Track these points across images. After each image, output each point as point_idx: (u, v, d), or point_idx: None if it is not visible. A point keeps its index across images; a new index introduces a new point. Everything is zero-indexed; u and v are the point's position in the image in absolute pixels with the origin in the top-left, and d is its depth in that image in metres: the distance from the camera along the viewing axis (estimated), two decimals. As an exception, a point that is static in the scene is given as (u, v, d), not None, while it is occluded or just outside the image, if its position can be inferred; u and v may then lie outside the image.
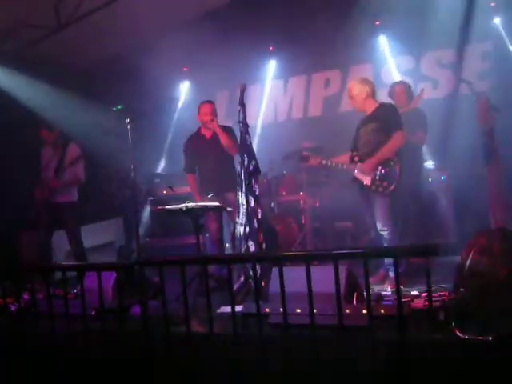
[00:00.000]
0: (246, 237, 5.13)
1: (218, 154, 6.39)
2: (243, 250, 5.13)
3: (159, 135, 9.96)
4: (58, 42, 8.24)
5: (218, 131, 6.30)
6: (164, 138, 10.03)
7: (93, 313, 4.61)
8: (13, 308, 5.16)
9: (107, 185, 10.37)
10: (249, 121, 5.38)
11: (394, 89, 6.95)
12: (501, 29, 7.71)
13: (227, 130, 6.43)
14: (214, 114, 6.45)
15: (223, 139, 6.29)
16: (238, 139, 5.42)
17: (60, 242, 7.47)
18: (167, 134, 10.00)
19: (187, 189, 8.36)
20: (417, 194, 6.55)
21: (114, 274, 5.39)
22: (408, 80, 7.52)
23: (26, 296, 5.39)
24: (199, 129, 6.70)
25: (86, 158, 7.39)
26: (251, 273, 4.88)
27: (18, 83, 8.47)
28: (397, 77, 8.24)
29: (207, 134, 6.59)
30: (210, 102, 6.57)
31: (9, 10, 7.41)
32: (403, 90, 6.91)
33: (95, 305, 4.28)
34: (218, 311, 4.76)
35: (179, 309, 3.82)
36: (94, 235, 8.48)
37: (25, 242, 8.07)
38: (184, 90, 10.29)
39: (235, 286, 5.01)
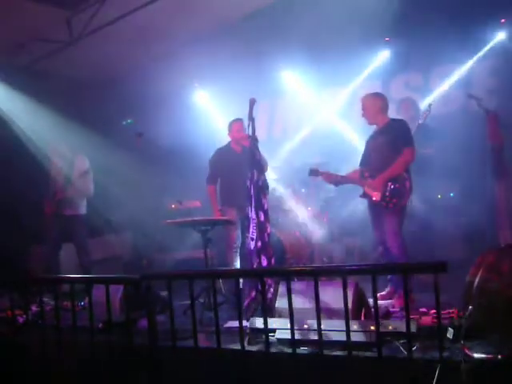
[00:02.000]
0: (258, 251, 5.13)
1: (246, 168, 6.42)
2: (255, 264, 5.12)
3: (169, 148, 9.99)
4: (70, 56, 8.30)
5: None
6: (174, 151, 10.06)
7: (100, 325, 4.61)
8: (21, 320, 5.18)
9: (116, 198, 10.40)
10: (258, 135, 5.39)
11: (401, 105, 7.00)
12: (510, 45, 7.71)
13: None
14: (245, 131, 6.59)
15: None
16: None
17: (69, 254, 7.48)
18: (177, 146, 10.02)
19: (196, 203, 8.39)
20: (427, 210, 6.55)
21: (122, 288, 5.40)
22: (416, 96, 7.55)
23: (33, 308, 5.41)
24: (229, 143, 6.95)
25: (95, 171, 7.42)
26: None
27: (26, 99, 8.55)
28: (405, 93, 8.25)
29: (238, 148, 6.84)
30: (241, 120, 6.75)
31: (21, 24, 7.49)
32: (410, 106, 6.95)
33: (102, 318, 4.29)
34: (226, 326, 4.75)
35: (187, 323, 3.82)
36: (102, 248, 8.50)
37: (34, 254, 8.10)
38: (196, 103, 10.33)
39: (245, 302, 5.00)
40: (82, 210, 7.35)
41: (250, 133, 5.31)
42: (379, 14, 7.35)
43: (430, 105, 6.84)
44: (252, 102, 5.40)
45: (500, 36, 7.77)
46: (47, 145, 7.40)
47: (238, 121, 6.82)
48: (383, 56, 8.65)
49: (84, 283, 4.61)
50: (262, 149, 5.45)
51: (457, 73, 8.25)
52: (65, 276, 6.52)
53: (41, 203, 7.27)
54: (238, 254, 6.76)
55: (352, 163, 6.04)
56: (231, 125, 6.91)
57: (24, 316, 5.07)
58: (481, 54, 7.93)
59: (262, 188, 5.27)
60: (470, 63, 8.12)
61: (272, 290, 4.98)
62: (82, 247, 7.26)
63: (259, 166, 5.31)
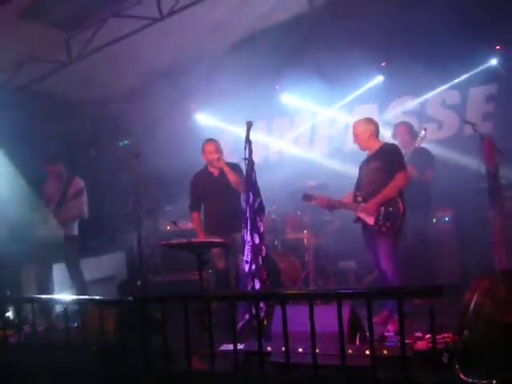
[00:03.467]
0: (252, 274, 5.11)
1: (226, 192, 6.29)
2: (249, 287, 5.10)
3: (164, 170, 10.00)
4: (68, 77, 8.33)
5: (226, 169, 6.24)
6: (169, 172, 10.07)
7: (93, 348, 4.58)
8: (12, 340, 5.13)
9: (111, 219, 10.38)
10: (254, 158, 5.41)
11: (396, 129, 7.04)
12: (505, 71, 7.78)
13: (235, 167, 6.36)
14: (218, 151, 6.39)
15: (232, 177, 6.22)
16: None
17: (63, 275, 7.44)
18: (172, 168, 10.03)
19: (191, 224, 8.35)
20: (422, 234, 6.57)
21: (116, 310, 5.36)
22: (413, 120, 7.59)
23: (26, 328, 5.37)
24: (206, 166, 6.61)
25: (91, 192, 7.41)
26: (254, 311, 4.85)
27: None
28: (401, 117, 8.30)
29: (215, 171, 6.50)
30: (214, 141, 6.50)
31: (19, 44, 7.52)
32: (406, 130, 6.99)
33: (96, 340, 4.26)
34: (220, 349, 4.71)
35: (181, 345, 3.79)
36: (96, 269, 8.45)
37: (26, 274, 8.04)
38: (191, 124, 10.35)
39: (239, 324, 4.97)
40: (75, 230, 7.32)
41: (247, 155, 5.32)
42: (377, 39, 7.44)
43: (425, 128, 6.89)
44: (249, 125, 5.43)
45: (495, 62, 7.84)
46: (45, 165, 7.37)
47: (210, 141, 6.50)
48: (379, 80, 8.71)
49: (77, 305, 4.58)
50: (258, 171, 5.46)
51: (452, 98, 8.33)
52: (58, 297, 6.50)
53: (33, 223, 7.23)
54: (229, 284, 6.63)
55: (349, 186, 6.05)
56: (203, 146, 6.51)
57: (16, 336, 5.03)
58: (476, 79, 7.99)
59: (258, 210, 5.28)
60: (465, 88, 8.20)
61: (263, 313, 4.96)
62: (74, 268, 7.22)
63: (255, 188, 5.32)
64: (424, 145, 6.86)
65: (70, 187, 7.23)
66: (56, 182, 7.34)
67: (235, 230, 6.07)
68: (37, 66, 8.05)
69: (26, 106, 8.28)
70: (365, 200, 5.68)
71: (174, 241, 6.95)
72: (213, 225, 6.47)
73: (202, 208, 6.66)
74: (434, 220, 7.40)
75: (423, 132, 6.82)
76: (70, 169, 7.48)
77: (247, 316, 5.09)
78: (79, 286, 7.17)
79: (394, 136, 7.04)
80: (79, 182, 7.30)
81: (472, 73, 7.96)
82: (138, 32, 7.50)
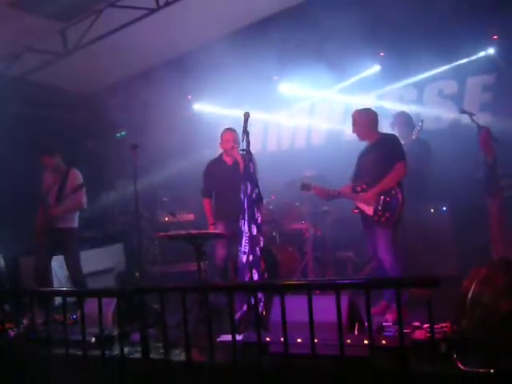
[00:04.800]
0: (250, 265, 5.12)
1: (238, 181, 6.34)
2: (246, 278, 5.11)
3: (162, 161, 10.00)
4: (64, 68, 8.30)
5: (239, 159, 6.23)
6: (167, 163, 10.06)
7: (92, 339, 4.58)
8: (12, 333, 5.14)
9: (109, 211, 10.38)
10: (252, 148, 5.40)
11: (396, 119, 7.03)
12: (502, 61, 7.77)
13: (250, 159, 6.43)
14: (235, 141, 6.41)
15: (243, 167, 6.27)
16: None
17: (61, 267, 7.44)
18: (170, 159, 10.03)
19: (189, 216, 8.35)
20: (420, 225, 6.58)
21: (115, 301, 5.37)
22: (410, 110, 7.58)
23: (25, 321, 5.38)
24: (221, 154, 6.72)
25: (89, 184, 7.39)
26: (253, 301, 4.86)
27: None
28: (399, 107, 8.29)
29: (229, 160, 6.59)
30: (232, 130, 6.54)
31: (15, 35, 7.49)
32: (405, 120, 6.99)
33: (95, 331, 4.26)
34: (219, 340, 4.72)
35: (179, 336, 3.80)
36: (95, 261, 8.46)
37: (24, 266, 8.05)
38: (189, 115, 10.33)
39: (237, 315, 4.98)
40: (74, 222, 7.30)
41: (245, 146, 5.31)
42: (375, 29, 7.42)
43: (422, 121, 6.89)
44: (246, 116, 5.42)
45: (492, 52, 7.82)
46: (41, 157, 7.34)
47: (227, 130, 6.59)
48: (377, 70, 8.69)
49: (76, 296, 4.58)
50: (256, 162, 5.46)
51: (450, 88, 8.32)
52: (57, 289, 6.51)
53: (33, 215, 7.23)
54: (226, 273, 6.67)
55: (347, 176, 6.05)
56: (222, 135, 6.63)
57: (15, 329, 5.03)
58: (473, 69, 7.98)
59: (256, 201, 5.27)
60: (462, 79, 8.19)
61: (262, 303, 4.97)
62: (73, 260, 7.21)
63: (253, 179, 5.31)
64: (420, 135, 6.88)
65: (68, 179, 7.19)
66: (53, 175, 7.31)
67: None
68: (33, 57, 8.03)
69: (22, 97, 8.26)
70: (364, 190, 5.68)
71: (172, 232, 6.97)
72: (223, 212, 6.52)
73: (214, 195, 6.75)
74: (432, 210, 7.42)
75: (420, 124, 6.81)
76: (67, 160, 7.45)
77: (245, 307, 5.09)
78: (77, 278, 7.16)
79: (393, 126, 7.04)
80: (77, 175, 7.27)
81: (469, 62, 7.93)
82: (135, 22, 7.48)
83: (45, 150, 7.39)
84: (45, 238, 7.08)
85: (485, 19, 7.28)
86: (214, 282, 6.58)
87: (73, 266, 7.19)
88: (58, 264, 7.52)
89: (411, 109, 8.01)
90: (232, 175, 6.40)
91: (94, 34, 7.69)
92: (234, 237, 6.12)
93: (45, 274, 7.21)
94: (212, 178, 6.70)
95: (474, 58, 7.90)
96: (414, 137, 6.68)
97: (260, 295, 4.91)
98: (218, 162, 6.75)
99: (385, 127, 6.83)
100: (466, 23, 7.25)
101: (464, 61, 7.93)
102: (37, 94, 8.60)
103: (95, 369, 3.76)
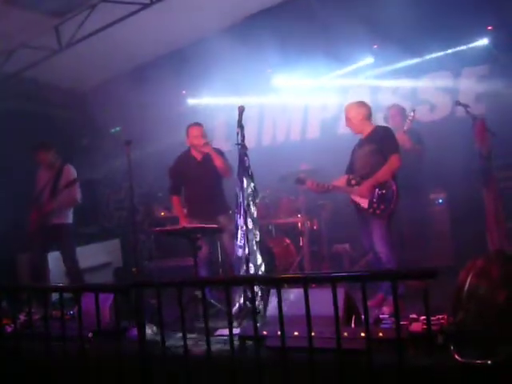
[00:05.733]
0: (246, 259, 5.13)
1: (209, 176, 6.33)
2: (242, 272, 5.12)
3: (157, 156, 9.98)
4: (58, 65, 8.27)
5: (214, 154, 6.23)
6: (161, 158, 10.05)
7: (89, 335, 4.58)
8: (9, 329, 5.13)
9: (105, 206, 10.37)
10: (247, 143, 5.39)
11: (389, 112, 7.04)
12: (496, 52, 7.76)
13: (220, 152, 6.41)
14: (203, 136, 6.34)
15: (218, 162, 6.22)
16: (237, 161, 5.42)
17: (58, 262, 7.44)
18: (165, 154, 10.01)
19: (185, 210, 8.33)
20: (415, 216, 6.59)
21: (112, 296, 5.37)
22: (405, 103, 7.58)
23: (22, 317, 5.36)
24: (189, 150, 6.55)
25: (84, 180, 7.38)
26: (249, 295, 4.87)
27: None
28: (393, 100, 8.28)
29: (198, 156, 6.46)
30: (199, 125, 6.43)
31: (10, 32, 7.46)
32: (398, 112, 7.00)
33: (92, 326, 4.26)
34: (215, 334, 4.73)
35: (176, 331, 3.80)
36: (91, 256, 8.46)
37: (21, 263, 8.04)
38: (185, 110, 10.30)
39: (233, 309, 4.99)
40: (69, 218, 7.29)
41: (240, 140, 5.31)
42: (368, 21, 7.40)
43: (413, 110, 6.89)
44: (241, 110, 5.42)
45: (486, 43, 7.82)
46: (35, 153, 7.32)
47: (195, 125, 6.41)
48: (371, 62, 8.67)
49: (73, 292, 4.58)
50: (251, 156, 5.45)
51: (444, 80, 8.31)
52: (54, 285, 6.50)
53: (27, 212, 7.21)
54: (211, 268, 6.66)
55: (342, 170, 6.06)
56: (188, 130, 6.44)
57: (12, 325, 5.03)
58: (468, 61, 7.97)
59: (252, 195, 5.27)
60: (457, 70, 8.18)
61: (259, 297, 4.98)
62: (69, 256, 7.20)
63: (248, 173, 5.31)
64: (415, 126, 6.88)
65: (62, 175, 7.18)
66: (48, 171, 7.29)
67: (219, 212, 6.29)
68: (27, 53, 8.00)
69: (16, 94, 8.23)
70: (359, 183, 5.69)
71: (168, 227, 6.97)
72: (195, 209, 6.46)
73: (183, 192, 6.65)
74: (428, 202, 7.44)
75: (412, 113, 6.82)
76: (61, 156, 7.43)
77: (241, 301, 5.11)
78: (74, 273, 7.16)
79: (386, 118, 7.05)
80: (71, 171, 7.25)
81: (464, 53, 7.92)
82: (129, 17, 7.44)
83: (40, 144, 7.37)
84: (39, 235, 7.07)
85: (479, 10, 7.27)
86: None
87: (69, 261, 7.18)
88: (54, 260, 7.51)
89: (406, 101, 8.02)
90: (202, 170, 6.36)
91: (87, 29, 7.66)
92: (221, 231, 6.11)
93: (41, 271, 7.21)
94: (180, 174, 6.55)
95: (468, 49, 7.89)
96: (406, 127, 6.68)
97: (256, 289, 4.91)
98: (185, 157, 6.57)
99: (379, 120, 6.85)
100: (461, 14, 7.23)
101: (458, 52, 7.91)
102: (31, 91, 8.56)
103: (92, 364, 3.76)
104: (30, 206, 7.21)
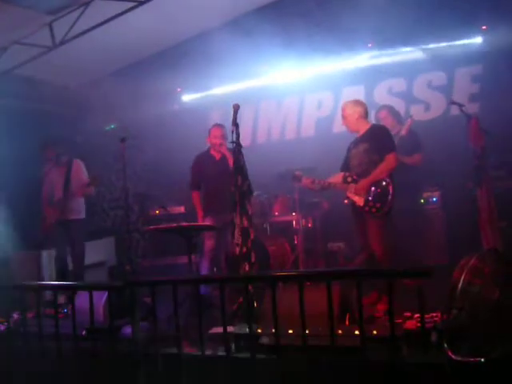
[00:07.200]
0: (243, 257, 5.12)
1: (225, 175, 6.39)
2: (240, 270, 5.11)
3: (152, 154, 9.97)
4: (52, 62, 8.24)
5: (228, 155, 6.40)
6: (156, 156, 10.03)
7: (83, 333, 4.58)
8: (2, 327, 5.13)
9: (99, 204, 10.34)
10: (242, 141, 5.39)
11: (378, 114, 7.06)
12: (491, 51, 7.77)
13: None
14: (223, 137, 6.60)
15: (232, 162, 6.31)
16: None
17: (50, 261, 7.42)
18: (160, 152, 9.99)
19: (180, 208, 8.34)
20: (410, 215, 6.60)
21: (106, 294, 5.37)
22: (399, 102, 7.60)
23: (15, 315, 5.36)
24: (209, 149, 6.86)
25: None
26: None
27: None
28: (388, 99, 8.29)
29: (217, 155, 6.76)
30: (221, 126, 6.73)
31: (3, 29, 7.42)
32: (387, 114, 7.01)
33: (86, 324, 4.26)
34: (210, 332, 4.73)
35: (170, 329, 3.80)
36: (86, 255, 8.42)
37: (15, 262, 8.01)
38: (180, 108, 10.28)
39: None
40: (83, 214, 7.30)
41: (235, 138, 5.30)
42: (363, 20, 7.40)
43: (410, 116, 6.91)
44: (236, 108, 5.41)
45: (481, 42, 7.83)
46: (43, 150, 7.32)
47: (217, 126, 6.78)
48: (366, 62, 8.66)
49: (67, 290, 4.57)
50: (246, 154, 5.44)
51: (439, 79, 8.32)
52: (48, 283, 6.49)
53: (32, 209, 7.20)
54: (215, 264, 6.72)
55: (337, 168, 6.06)
56: (210, 130, 6.81)
57: (5, 323, 5.02)
58: (462, 60, 7.97)
59: (247, 193, 5.27)
60: (451, 69, 8.19)
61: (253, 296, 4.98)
62: (79, 252, 7.20)
63: (243, 171, 5.31)
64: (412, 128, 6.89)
65: (73, 170, 7.16)
66: (56, 168, 7.27)
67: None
68: (21, 50, 7.97)
69: (10, 90, 8.20)
70: (355, 181, 5.69)
71: (163, 225, 6.97)
72: (212, 205, 6.65)
73: (202, 188, 6.86)
74: (422, 200, 7.46)
75: (409, 120, 6.84)
76: (65, 151, 7.41)
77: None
78: (79, 270, 7.14)
79: (377, 121, 7.05)
80: (81, 166, 7.26)
81: (458, 52, 7.90)
82: (123, 14, 7.42)
83: (47, 141, 7.37)
84: (57, 231, 7.06)
85: (474, 10, 7.29)
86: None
87: (78, 257, 7.16)
88: (47, 258, 7.50)
89: (400, 101, 8.04)
90: (220, 169, 6.56)
91: (81, 26, 7.63)
92: (223, 229, 6.18)
93: (64, 265, 7.20)
94: (200, 172, 6.82)
95: (462, 48, 7.89)
96: (403, 132, 6.71)
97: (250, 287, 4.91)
98: (205, 156, 6.87)
99: (374, 119, 6.87)
100: (455, 14, 7.25)
101: (453, 51, 7.91)
102: (24, 88, 8.52)
103: (85, 362, 3.76)
104: (42, 203, 7.21)
